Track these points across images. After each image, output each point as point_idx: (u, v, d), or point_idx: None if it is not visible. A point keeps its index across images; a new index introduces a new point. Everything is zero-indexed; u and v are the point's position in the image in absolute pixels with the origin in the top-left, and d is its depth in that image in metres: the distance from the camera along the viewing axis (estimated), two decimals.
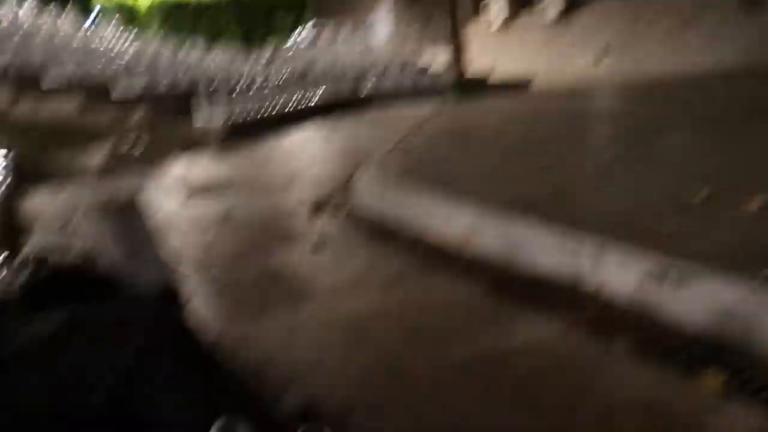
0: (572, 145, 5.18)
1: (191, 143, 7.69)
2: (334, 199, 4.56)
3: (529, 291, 2.60)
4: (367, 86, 13.65)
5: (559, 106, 8.17)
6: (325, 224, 3.93)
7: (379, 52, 17.99)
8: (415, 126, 7.57)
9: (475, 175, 4.20)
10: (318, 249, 3.40)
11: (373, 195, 4.02)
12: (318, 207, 4.31)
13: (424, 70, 15.57)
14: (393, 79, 14.32)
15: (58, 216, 4.33)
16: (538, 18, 16.37)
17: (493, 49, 18.44)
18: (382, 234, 3.60)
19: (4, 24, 11.99)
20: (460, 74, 13.61)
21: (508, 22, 18.08)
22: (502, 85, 14.33)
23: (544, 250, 2.73)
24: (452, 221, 3.27)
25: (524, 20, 17.47)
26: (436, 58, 16.31)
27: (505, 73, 15.61)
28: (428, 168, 4.50)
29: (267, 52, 15.15)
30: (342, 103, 11.85)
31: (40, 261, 1.76)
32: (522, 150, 5.08)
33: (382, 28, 23.14)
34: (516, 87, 13.51)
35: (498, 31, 18.35)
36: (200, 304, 2.69)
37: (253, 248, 3.52)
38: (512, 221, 2.91)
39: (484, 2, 18.49)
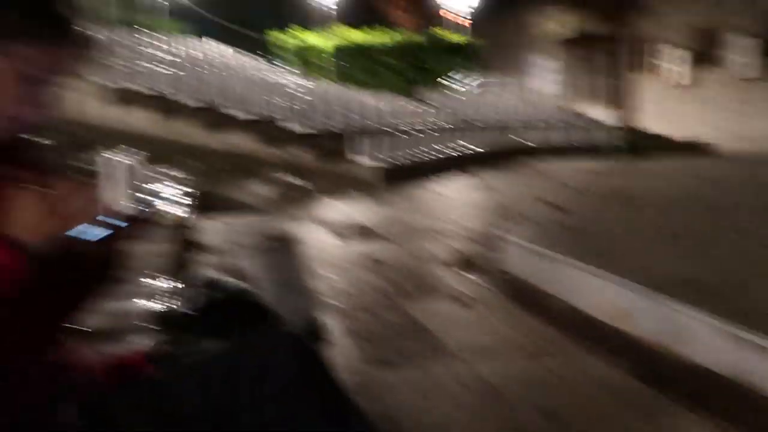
0: (753, 221, 4.69)
1: (350, 184, 8.12)
2: (482, 254, 4.54)
3: (687, 384, 2.37)
4: (529, 137, 13.51)
5: (742, 174, 7.46)
6: (471, 280, 3.92)
7: (542, 102, 17.77)
8: (577, 183, 7.33)
9: (638, 245, 3.95)
10: (461, 305, 3.39)
11: (524, 255, 3.95)
12: (466, 260, 4.31)
13: (591, 125, 15.08)
14: (556, 132, 14.04)
15: (226, 245, 4.78)
16: (723, 71, 15.11)
17: (668, 104, 17.37)
18: (530, 298, 3.51)
19: (198, 61, 13.72)
20: (631, 130, 12.97)
21: (688, 75, 16.95)
22: (677, 145, 13.42)
23: (710, 342, 2.48)
24: (607, 296, 3.10)
25: (707, 73, 16.27)
26: (605, 112, 15.73)
27: (681, 131, 14.61)
28: (586, 231, 4.32)
29: (430, 98, 15.66)
30: (502, 153, 11.84)
31: (209, 286, 1.96)
32: (693, 222, 4.70)
33: (546, 78, 22.89)
34: (694, 148, 12.59)
35: (676, 84, 17.28)
36: (341, 345, 2.81)
37: (397, 295, 3.60)
38: (675, 304, 2.69)
39: (660, 53, 17.56)
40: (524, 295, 3.56)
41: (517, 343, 2.84)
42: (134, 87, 10.87)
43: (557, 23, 21.63)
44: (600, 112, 16.30)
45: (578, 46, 21.90)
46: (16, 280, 0.88)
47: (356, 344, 2.84)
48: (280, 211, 6.61)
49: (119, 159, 1.01)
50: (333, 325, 3.05)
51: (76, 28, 0.96)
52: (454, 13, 20.78)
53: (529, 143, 13.24)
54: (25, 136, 1.04)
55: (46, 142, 1.12)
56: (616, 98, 13.87)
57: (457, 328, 3.04)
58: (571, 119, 15.46)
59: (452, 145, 10.93)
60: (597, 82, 20.36)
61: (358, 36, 17.49)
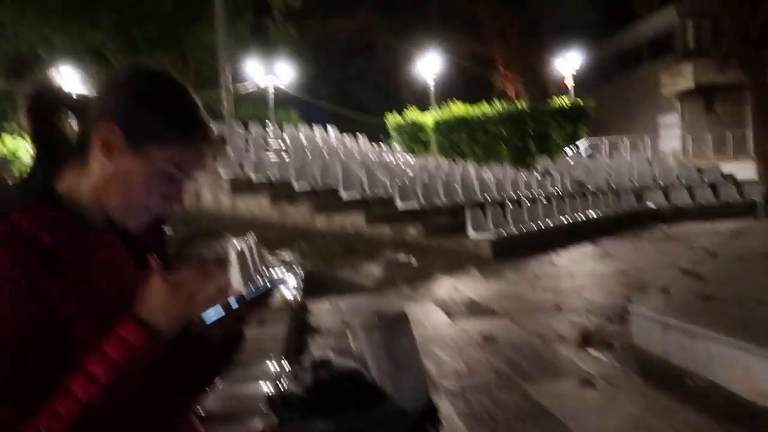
0: None
1: (461, 258, 8.10)
2: (607, 329, 4.31)
3: None
4: (651, 198, 12.90)
5: None
6: (595, 357, 3.73)
7: (664, 160, 17.01)
8: (710, 247, 6.86)
9: None
10: (587, 385, 3.22)
11: (656, 329, 3.70)
12: (589, 336, 4.12)
13: (720, 181, 14.17)
14: (682, 191, 13.31)
15: (338, 325, 4.90)
16: None
17: None
18: (664, 376, 3.27)
19: (309, 146, 14.57)
20: None
21: None
22: None
23: None
24: (757, 372, 2.82)
25: None
26: (738, 167, 14.75)
27: None
28: (725, 300, 3.99)
29: (541, 166, 15.50)
30: (622, 217, 11.37)
31: (321, 367, 2.02)
32: None
33: (666, 134, 21.96)
34: None
35: None
36: (456, 428, 2.74)
37: (515, 375, 3.48)
38: None
39: None
40: (657, 373, 3.32)
41: (650, 427, 2.63)
42: (249, 175, 11.72)
43: (676, 76, 20.94)
44: (731, 167, 15.30)
45: (701, 97, 20.97)
46: (146, 360, 0.98)
47: (472, 428, 2.76)
48: (390, 289, 6.69)
49: (237, 245, 1.10)
50: (447, 406, 2.99)
51: (206, 129, 1.10)
52: (562, 78, 20.81)
53: (652, 205, 12.63)
54: (159, 227, 1.17)
55: (175, 231, 1.25)
56: (751, 150, 12.99)
57: (581, 410, 2.88)
58: (698, 176, 14.63)
59: (567, 212, 10.67)
60: (725, 135, 19.26)
61: (460, 109, 17.89)
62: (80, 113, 1.05)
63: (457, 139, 17.45)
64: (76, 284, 0.97)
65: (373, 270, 7.67)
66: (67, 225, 1.00)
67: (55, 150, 1.05)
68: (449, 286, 6.63)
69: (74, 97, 1.08)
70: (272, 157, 12.75)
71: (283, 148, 14.42)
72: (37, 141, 1.06)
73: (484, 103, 18.14)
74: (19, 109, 1.07)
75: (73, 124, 1.05)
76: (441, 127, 17.60)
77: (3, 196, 1.02)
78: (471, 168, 14.12)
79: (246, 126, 15.72)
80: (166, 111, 1.05)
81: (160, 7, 18.62)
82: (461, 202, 10.25)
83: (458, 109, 17.95)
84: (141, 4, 18.44)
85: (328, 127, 18.12)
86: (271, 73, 20.56)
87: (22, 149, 13.55)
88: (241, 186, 11.56)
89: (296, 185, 11.20)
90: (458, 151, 16.99)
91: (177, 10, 18.89)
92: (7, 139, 14.59)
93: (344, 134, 17.90)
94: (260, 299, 1.14)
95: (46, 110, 1.06)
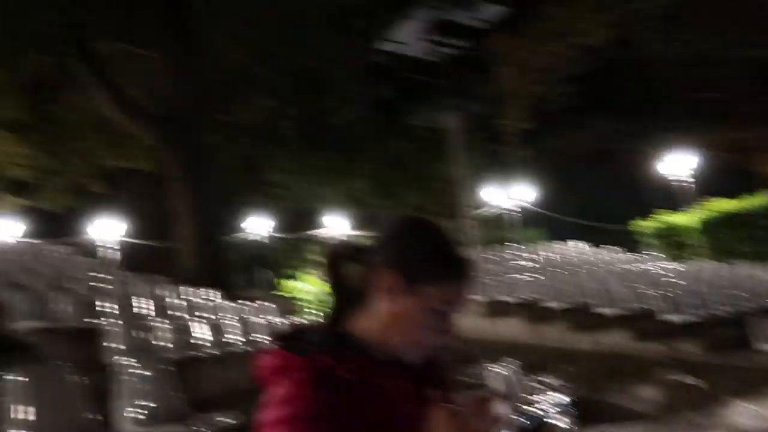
0: None
1: (759, 376, 6.93)
2: None
3: None
4: None
5: None
6: None
7: None
8: None
9: None
10: None
11: None
12: None
13: None
14: None
15: None
16: None
17: None
18: None
19: (558, 263, 14.20)
20: None
21: None
22: None
23: None
24: None
25: None
26: None
27: None
28: None
29: None
30: None
31: None
32: None
33: None
34: None
35: None
36: None
37: None
38: None
39: None
40: None
41: None
42: (502, 297, 11.74)
43: None
44: None
45: None
46: None
47: None
48: (673, 417, 5.92)
49: (501, 370, 1.13)
50: None
51: (466, 264, 1.20)
52: None
53: None
54: (434, 358, 1.26)
55: (447, 361, 1.33)
56: None
57: None
58: None
59: None
60: None
61: (728, 204, 16.10)
62: (363, 262, 1.22)
63: (728, 237, 15.58)
64: (368, 411, 1.10)
65: (649, 393, 6.91)
66: (358, 360, 1.16)
67: (345, 296, 1.23)
68: (748, 412, 5.65)
69: (357, 248, 1.28)
70: (524, 277, 12.70)
71: (535, 266, 14.31)
72: (332, 289, 1.25)
73: (754, 194, 16.11)
74: (306, 261, 1.28)
75: (357, 271, 1.21)
76: (708, 226, 15.94)
77: (309, 337, 1.21)
78: (755, 269, 12.35)
79: (494, 249, 16.06)
80: (433, 254, 1.21)
81: (407, 154, 20.79)
82: (747, 310, 8.95)
83: (725, 204, 16.18)
84: (392, 154, 20.80)
85: (576, 240, 17.65)
86: (510, 193, 21.02)
87: (301, 290, 15.45)
88: (496, 308, 11.62)
89: (552, 304, 10.89)
90: (731, 251, 15.08)
91: (419, 152, 20.84)
92: (288, 282, 16.80)
93: (595, 246, 17.22)
94: (533, 428, 1.15)
95: (337, 263, 1.26)
